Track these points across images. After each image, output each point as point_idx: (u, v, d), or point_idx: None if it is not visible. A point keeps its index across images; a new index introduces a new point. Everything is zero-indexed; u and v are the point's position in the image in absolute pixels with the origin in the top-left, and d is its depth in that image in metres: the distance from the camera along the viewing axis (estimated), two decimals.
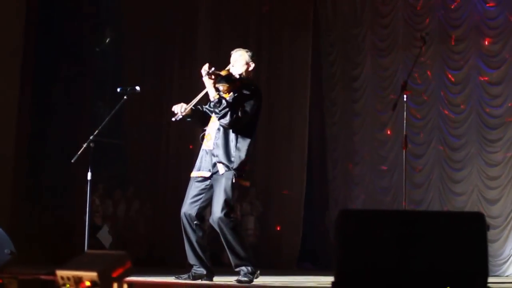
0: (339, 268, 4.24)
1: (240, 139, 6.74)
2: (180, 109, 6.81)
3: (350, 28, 13.97)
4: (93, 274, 4.59)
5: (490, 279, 4.33)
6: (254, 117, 6.85)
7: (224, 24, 13.34)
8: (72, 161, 7.45)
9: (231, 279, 7.08)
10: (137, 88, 7.71)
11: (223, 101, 6.65)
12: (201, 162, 6.89)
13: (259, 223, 13.42)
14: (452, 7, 12.97)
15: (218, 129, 6.77)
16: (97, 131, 7.52)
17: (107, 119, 7.68)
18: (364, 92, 13.76)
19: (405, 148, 7.57)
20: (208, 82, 6.76)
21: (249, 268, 6.80)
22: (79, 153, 7.44)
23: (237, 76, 6.87)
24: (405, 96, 7.63)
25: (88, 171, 7.44)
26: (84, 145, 7.44)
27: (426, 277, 4.21)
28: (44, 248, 10.43)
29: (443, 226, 4.36)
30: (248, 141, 6.78)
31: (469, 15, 12.79)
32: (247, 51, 7.04)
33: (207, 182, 6.87)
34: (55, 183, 11.19)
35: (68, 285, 4.74)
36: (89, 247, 7.29)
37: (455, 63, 12.94)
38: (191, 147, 12.26)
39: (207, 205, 6.92)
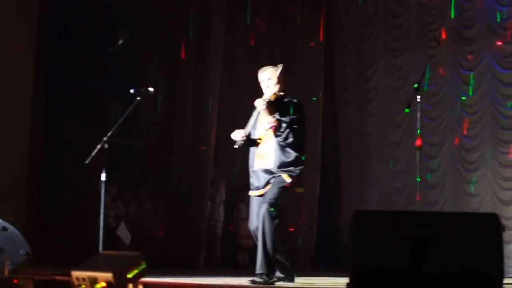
0: (354, 269, 4.24)
1: (297, 152, 7.21)
2: (239, 137, 7.24)
3: (362, 29, 13.96)
4: (108, 275, 4.61)
5: (505, 280, 4.32)
6: (305, 128, 7.44)
7: (238, 24, 13.34)
8: (86, 162, 7.48)
9: (245, 280, 7.10)
10: (151, 89, 7.76)
11: (283, 124, 7.13)
12: (259, 181, 7.29)
13: None
14: (465, 7, 12.94)
15: (275, 148, 7.20)
16: (110, 132, 7.55)
17: (120, 120, 7.71)
18: (377, 93, 13.74)
19: (419, 149, 7.57)
20: (264, 112, 7.17)
21: (265, 274, 6.97)
22: (93, 154, 7.47)
23: (281, 94, 7.35)
24: (418, 97, 7.63)
25: (102, 172, 7.48)
26: (98, 146, 7.47)
27: (440, 279, 4.20)
28: (59, 249, 10.46)
29: (458, 227, 4.35)
30: (302, 152, 7.30)
31: (482, 16, 12.76)
32: (272, 67, 7.49)
33: None
34: (69, 184, 11.21)
35: (83, 286, 4.77)
36: (104, 248, 7.31)
37: (468, 64, 12.90)
38: (203, 148, 12.27)
39: None
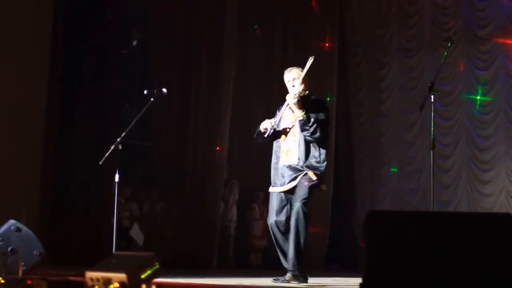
0: (367, 270, 4.23)
1: (321, 149, 7.40)
2: (269, 126, 7.42)
3: (376, 29, 13.93)
4: (122, 276, 4.62)
5: None
6: (329, 127, 7.70)
7: (251, 25, 13.35)
8: (100, 163, 7.50)
9: (259, 281, 7.11)
10: (164, 90, 7.78)
11: (311, 119, 7.32)
12: (283, 177, 7.41)
13: None
14: (479, 7, 12.90)
15: (299, 144, 7.36)
16: (124, 133, 7.56)
17: (134, 121, 7.72)
18: (391, 93, 13.71)
19: (433, 149, 7.56)
20: (295, 107, 7.40)
21: (299, 270, 7.20)
22: (106, 155, 7.48)
23: (307, 92, 7.58)
24: (432, 96, 7.61)
25: (115, 173, 7.49)
26: (112, 147, 7.48)
27: (454, 279, 4.19)
28: (73, 250, 10.49)
29: (472, 227, 4.33)
30: (326, 149, 7.49)
31: (496, 15, 12.72)
32: (297, 67, 7.71)
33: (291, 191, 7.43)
34: (83, 185, 11.24)
35: (97, 286, 4.77)
36: (117, 249, 7.33)
37: (482, 63, 12.86)
38: (217, 148, 12.27)
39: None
